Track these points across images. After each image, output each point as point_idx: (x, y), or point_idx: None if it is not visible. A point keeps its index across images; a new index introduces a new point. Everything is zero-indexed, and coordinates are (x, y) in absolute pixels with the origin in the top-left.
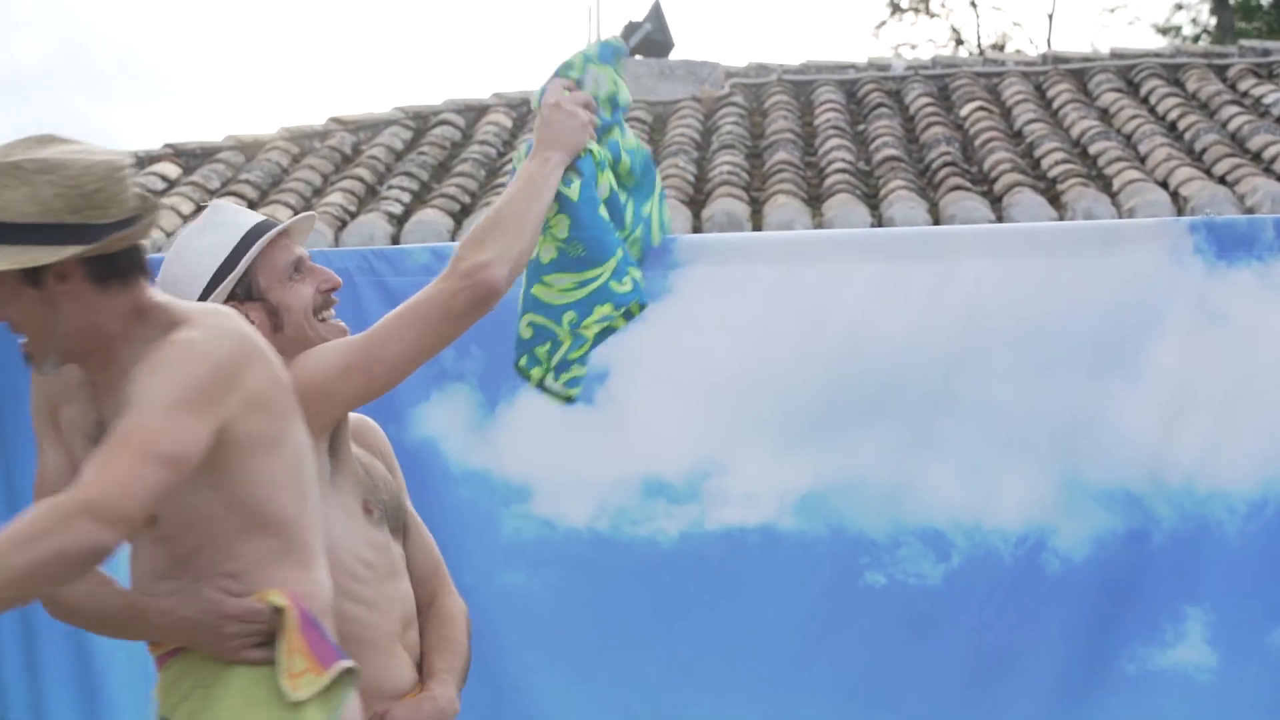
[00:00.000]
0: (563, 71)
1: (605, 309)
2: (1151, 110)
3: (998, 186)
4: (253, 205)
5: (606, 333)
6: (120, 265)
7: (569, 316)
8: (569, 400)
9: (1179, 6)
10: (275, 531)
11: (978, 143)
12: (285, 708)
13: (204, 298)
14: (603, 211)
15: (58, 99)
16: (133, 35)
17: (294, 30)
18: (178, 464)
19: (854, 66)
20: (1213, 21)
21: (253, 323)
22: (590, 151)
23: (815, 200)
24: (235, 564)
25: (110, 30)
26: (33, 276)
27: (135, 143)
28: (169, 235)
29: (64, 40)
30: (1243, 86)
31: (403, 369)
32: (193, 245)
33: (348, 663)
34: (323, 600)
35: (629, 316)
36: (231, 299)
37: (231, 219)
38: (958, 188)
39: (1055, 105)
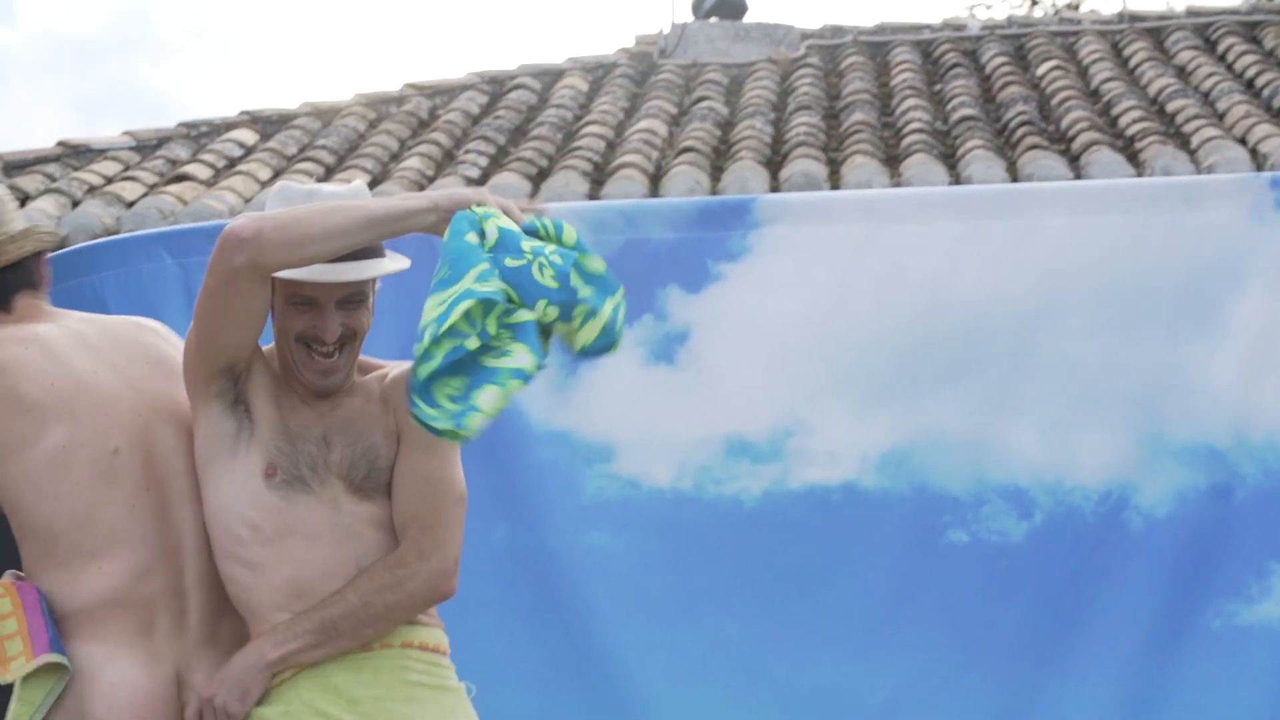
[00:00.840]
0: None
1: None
2: (1229, 68)
3: (1075, 145)
4: (329, 171)
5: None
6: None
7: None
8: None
9: None
10: (33, 534)
11: (1054, 101)
12: None
13: None
14: (471, 239)
15: (123, 68)
16: (197, 2)
17: None
18: None
19: (929, 27)
20: None
21: None
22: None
23: (893, 160)
24: (23, 565)
25: None
26: None
27: (209, 109)
28: (247, 202)
29: (126, 9)
30: None
31: (204, 327)
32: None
33: (56, 657)
34: (89, 598)
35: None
36: None
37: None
38: (1035, 146)
39: (1132, 64)
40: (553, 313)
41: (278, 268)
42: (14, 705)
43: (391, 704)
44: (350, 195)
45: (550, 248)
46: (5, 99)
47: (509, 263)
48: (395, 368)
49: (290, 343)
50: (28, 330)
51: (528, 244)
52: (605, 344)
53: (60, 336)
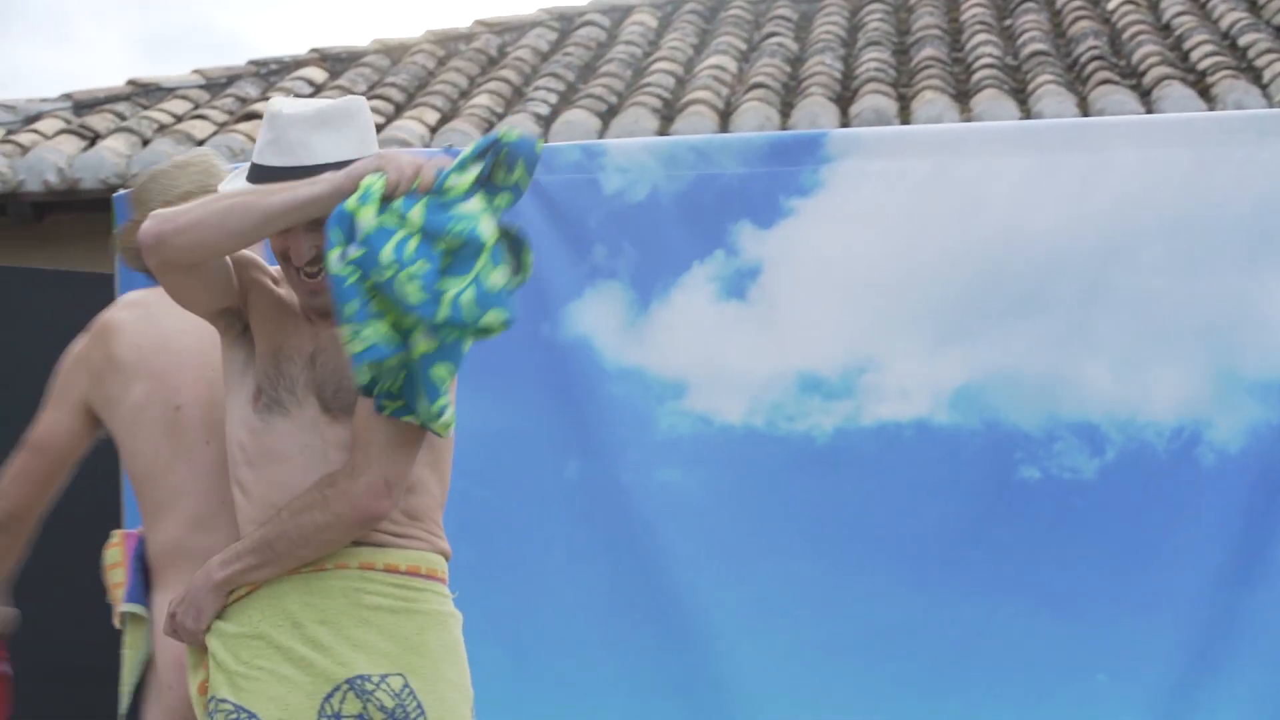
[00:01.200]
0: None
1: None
2: None
3: (1146, 80)
4: (399, 109)
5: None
6: None
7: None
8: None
9: None
10: (132, 488)
11: (1125, 36)
12: None
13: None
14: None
15: (188, 7)
16: None
17: None
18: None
19: None
20: None
21: None
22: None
23: (963, 96)
24: None
25: None
26: None
27: (275, 48)
28: None
29: None
30: None
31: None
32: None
33: (132, 607)
34: (159, 548)
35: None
36: None
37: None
38: (1106, 81)
39: None
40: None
41: (191, 265)
42: (124, 650)
43: (341, 627)
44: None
45: (411, 248)
46: (70, 38)
47: (374, 277)
48: None
49: (282, 264)
50: (143, 294)
51: (391, 247)
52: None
53: (161, 297)
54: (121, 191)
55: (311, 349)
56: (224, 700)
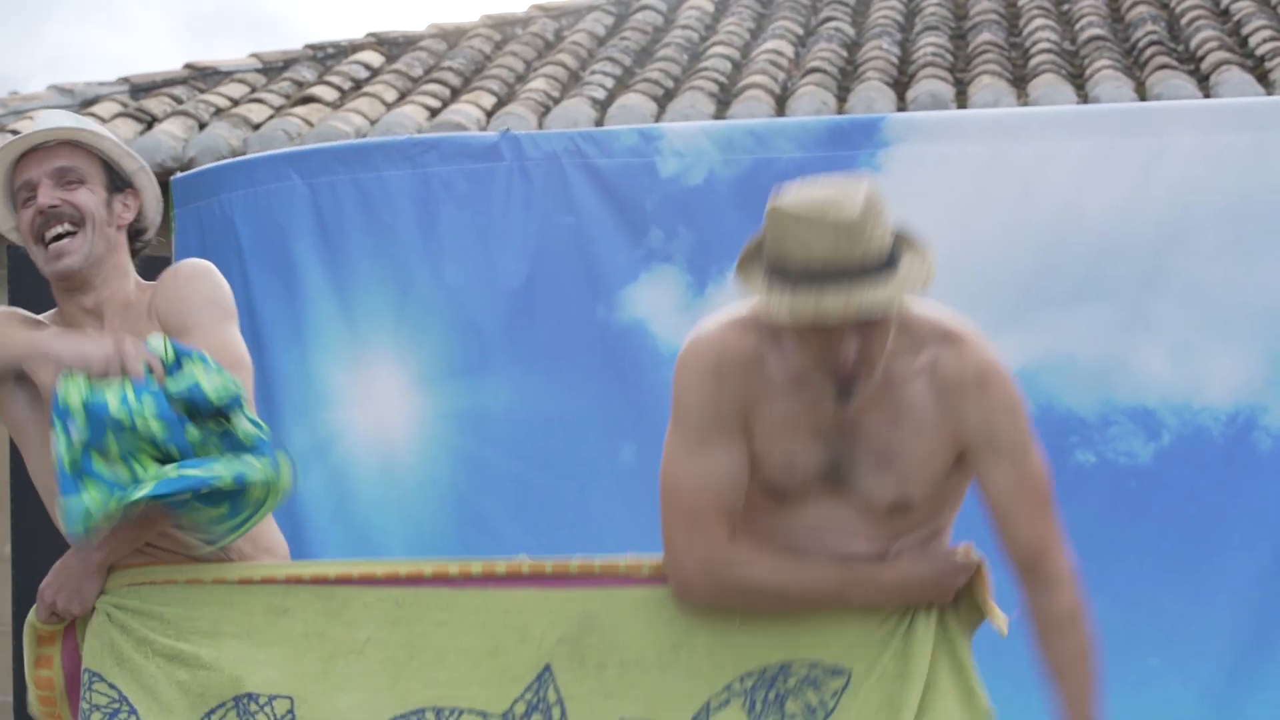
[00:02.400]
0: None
1: None
2: None
3: (1204, 65)
4: (455, 93)
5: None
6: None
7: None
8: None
9: None
10: None
11: (1184, 21)
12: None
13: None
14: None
15: None
16: None
17: None
18: None
19: None
20: None
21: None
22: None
23: (1020, 81)
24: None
25: None
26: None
27: (326, 30)
28: (373, 123)
29: None
30: None
31: None
32: None
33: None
34: None
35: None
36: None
37: None
38: (1164, 66)
39: None
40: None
41: None
42: None
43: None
44: None
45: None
46: (120, 19)
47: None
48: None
49: (30, 246)
50: None
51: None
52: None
53: None
54: (179, 175)
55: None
56: (99, 677)
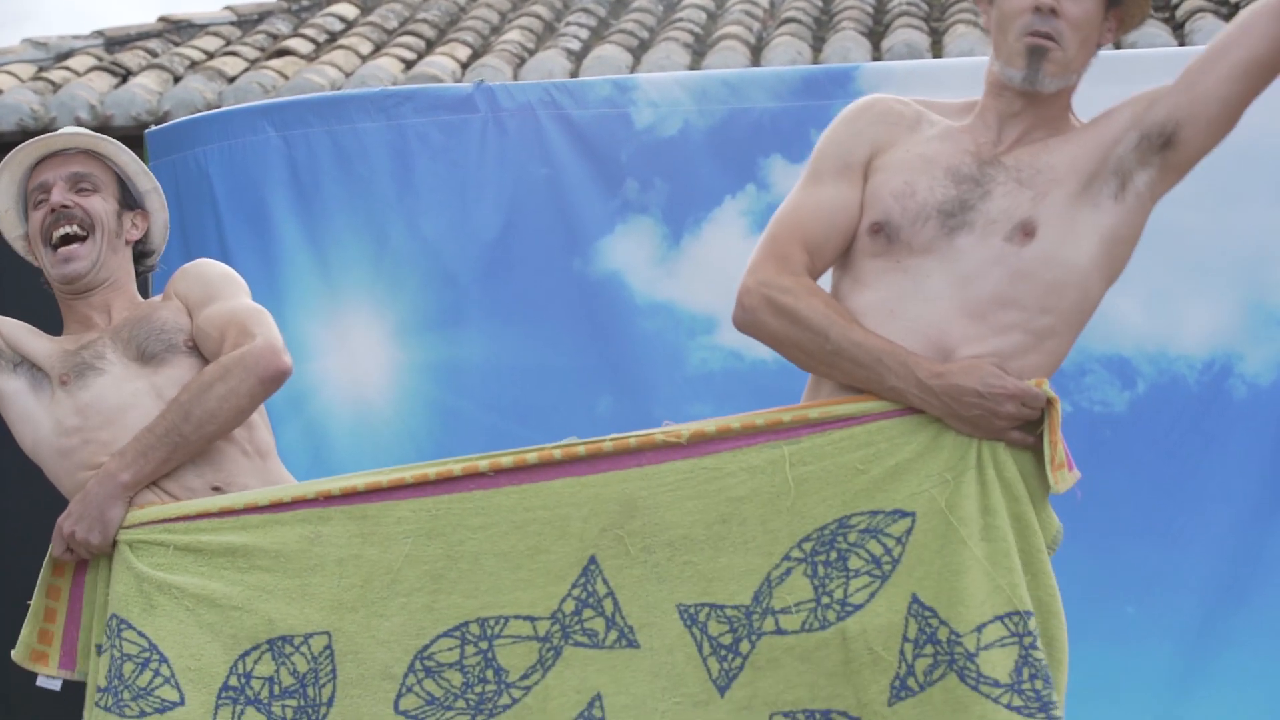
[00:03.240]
0: None
1: None
2: None
3: (1179, 12)
4: (430, 45)
5: None
6: None
7: None
8: None
9: None
10: None
11: None
12: (1042, 496)
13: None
14: None
15: None
16: None
17: None
18: None
19: None
20: None
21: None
22: None
23: None
24: None
25: None
26: (1109, 5)
27: None
28: (348, 76)
29: None
30: None
31: None
32: None
33: (1077, 475)
34: None
35: None
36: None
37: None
38: None
39: None
40: None
41: None
42: None
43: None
44: None
45: None
46: None
47: None
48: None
49: (37, 248)
50: None
51: None
52: None
53: None
54: (154, 128)
55: (106, 326)
56: (127, 624)
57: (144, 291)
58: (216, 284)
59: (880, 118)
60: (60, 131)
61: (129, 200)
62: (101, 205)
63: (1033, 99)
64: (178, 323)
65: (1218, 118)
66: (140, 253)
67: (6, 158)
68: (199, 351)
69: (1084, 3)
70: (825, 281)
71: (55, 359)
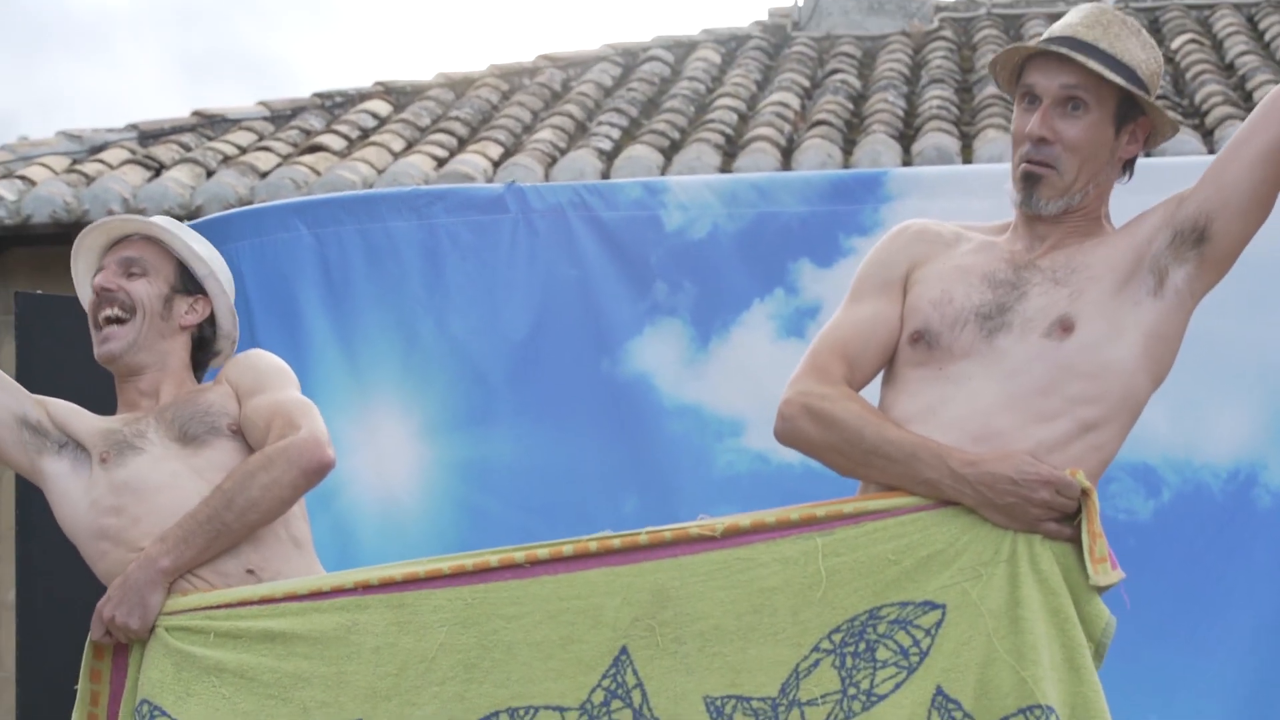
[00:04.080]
0: None
1: None
2: None
3: (1209, 119)
4: (462, 143)
5: None
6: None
7: None
8: None
9: None
10: None
11: (1189, 75)
12: (1086, 591)
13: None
14: None
15: (230, 28)
16: None
17: None
18: None
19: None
20: None
21: None
22: None
23: None
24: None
25: None
26: (1120, 123)
27: (332, 74)
28: (380, 173)
29: None
30: None
31: None
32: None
33: (1121, 574)
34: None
35: None
36: None
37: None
38: None
39: (1268, 37)
40: None
41: None
42: None
43: None
44: None
45: None
46: (114, 58)
47: None
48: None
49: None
50: None
51: None
52: None
53: None
54: (187, 223)
55: (153, 408)
56: (160, 711)
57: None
58: (268, 374)
59: (918, 236)
60: (116, 217)
61: (187, 285)
62: (146, 289)
63: (1067, 217)
64: (224, 407)
65: (1248, 206)
66: (204, 338)
67: (75, 244)
68: (241, 436)
69: (1080, 126)
70: (870, 395)
71: (98, 437)
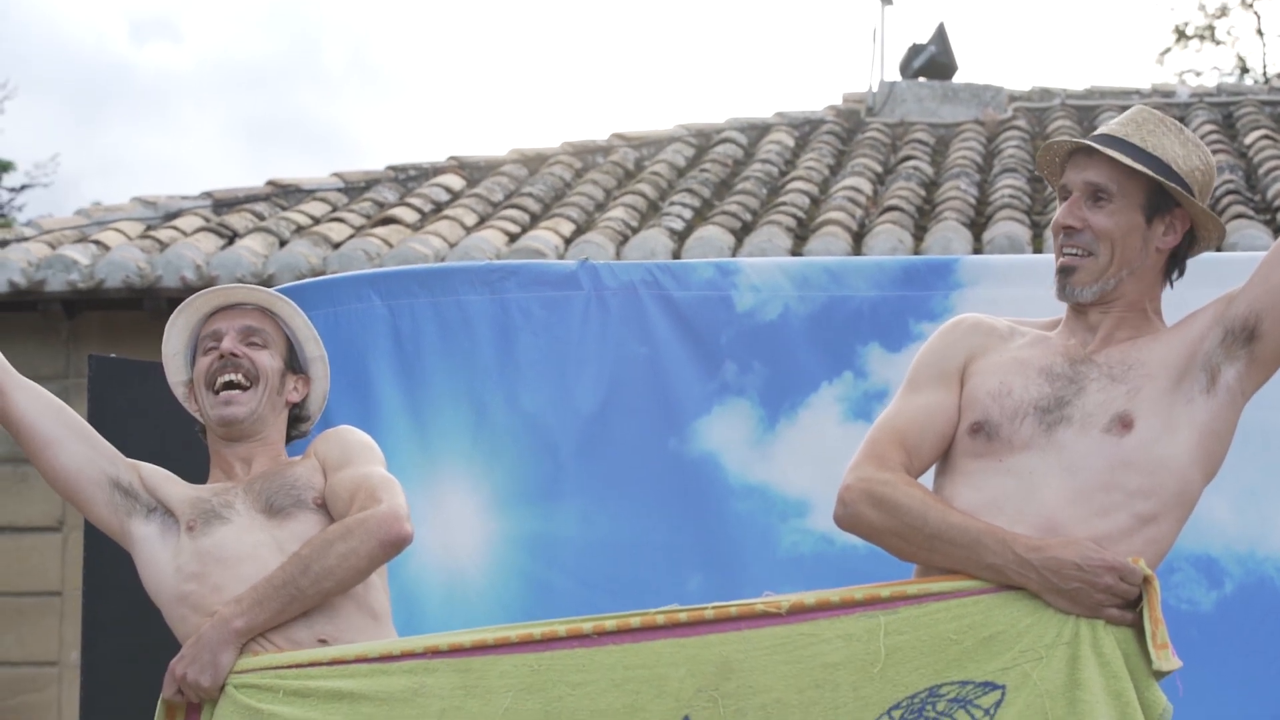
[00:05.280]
0: None
1: None
2: None
3: None
4: (534, 219)
5: None
6: (1184, 260)
7: None
8: None
9: None
10: None
11: (1261, 171)
12: (1145, 676)
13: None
14: None
15: (292, 97)
16: (404, 43)
17: (578, 44)
18: None
19: (1138, 92)
20: None
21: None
22: None
23: None
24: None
25: (386, 35)
26: (1152, 213)
27: (402, 151)
28: (452, 246)
29: (295, 33)
30: None
31: None
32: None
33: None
34: None
35: None
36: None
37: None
38: (1240, 215)
39: None
40: None
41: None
42: None
43: None
44: None
45: None
46: (175, 123)
47: None
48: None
49: (200, 390)
50: None
51: None
52: None
53: None
54: None
55: (243, 478)
56: None
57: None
58: (354, 449)
59: (974, 328)
60: (241, 285)
61: (294, 363)
62: (269, 361)
63: (1100, 305)
64: (310, 481)
65: None
66: (295, 417)
67: (184, 303)
68: (325, 510)
69: (1106, 213)
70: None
71: (187, 505)
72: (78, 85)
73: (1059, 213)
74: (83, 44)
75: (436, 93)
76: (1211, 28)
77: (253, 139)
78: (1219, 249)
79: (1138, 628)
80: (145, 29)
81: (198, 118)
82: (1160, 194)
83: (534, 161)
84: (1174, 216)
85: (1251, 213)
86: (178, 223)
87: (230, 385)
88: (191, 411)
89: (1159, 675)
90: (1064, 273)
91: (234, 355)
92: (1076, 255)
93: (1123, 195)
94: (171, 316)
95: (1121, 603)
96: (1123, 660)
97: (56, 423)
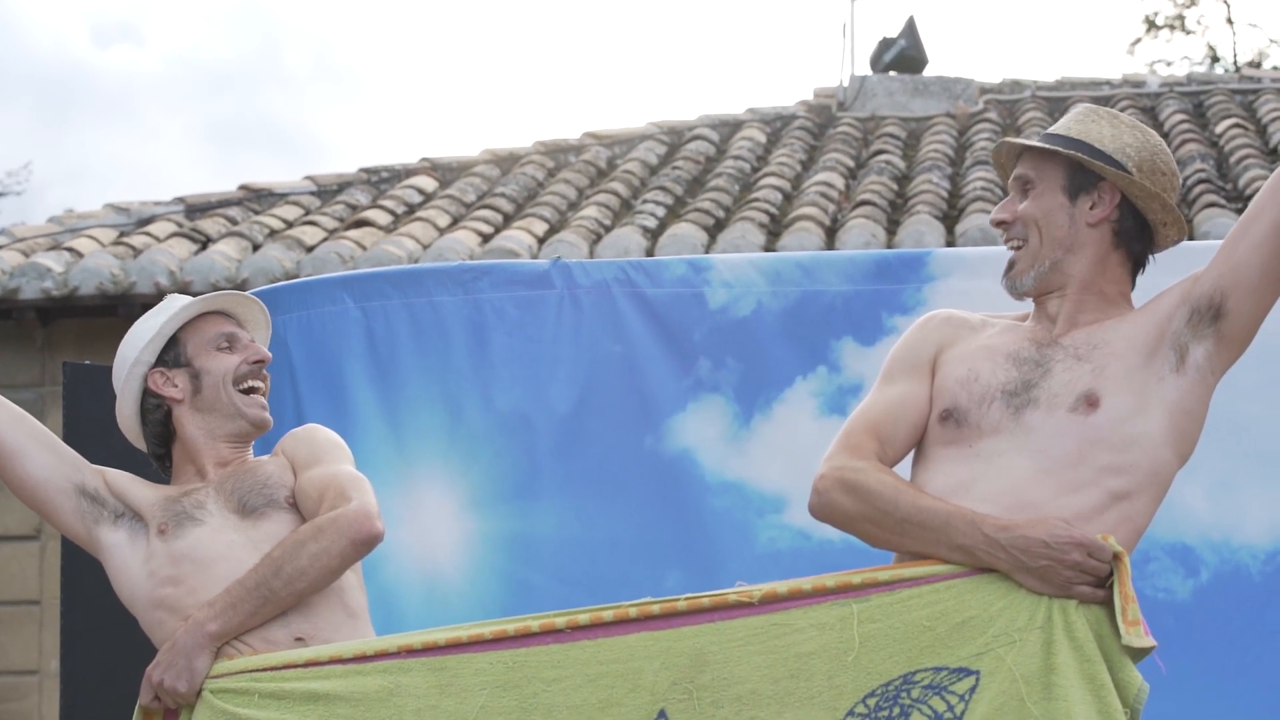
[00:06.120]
0: None
1: None
2: None
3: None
4: (507, 219)
5: None
6: (1139, 241)
7: None
8: None
9: None
10: None
11: (1232, 160)
12: (1119, 656)
13: (134, 369)
14: None
15: (256, 99)
16: (369, 44)
17: (548, 43)
18: None
19: (1109, 83)
20: None
21: (175, 386)
22: None
23: None
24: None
25: (354, 37)
26: (1075, 190)
27: (373, 153)
28: (425, 248)
29: (258, 35)
30: None
31: None
32: (136, 328)
33: (1153, 641)
34: None
35: None
36: (159, 365)
37: (175, 303)
38: (1212, 205)
39: None
40: None
41: None
42: None
43: None
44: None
45: None
46: (140, 127)
47: None
48: None
49: (225, 387)
50: None
51: None
52: None
53: None
54: None
55: (214, 478)
56: None
57: None
58: (322, 448)
59: (946, 322)
60: (256, 300)
61: None
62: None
63: (1053, 292)
64: (282, 479)
65: (1259, 283)
66: None
67: (204, 298)
68: (298, 509)
69: (1030, 199)
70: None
71: (156, 507)
72: (41, 90)
73: (992, 213)
74: (41, 47)
75: (405, 93)
76: (1181, 17)
77: (220, 142)
78: (1191, 238)
79: (1110, 606)
80: (106, 32)
81: (165, 121)
82: (1081, 171)
83: (506, 161)
84: (1100, 190)
85: (1223, 201)
86: (151, 229)
87: (252, 390)
88: (155, 389)
89: (1134, 655)
90: (1008, 269)
91: (264, 362)
92: (1015, 248)
93: (1042, 179)
94: (184, 302)
95: (1092, 580)
96: (1095, 642)
97: (20, 432)
